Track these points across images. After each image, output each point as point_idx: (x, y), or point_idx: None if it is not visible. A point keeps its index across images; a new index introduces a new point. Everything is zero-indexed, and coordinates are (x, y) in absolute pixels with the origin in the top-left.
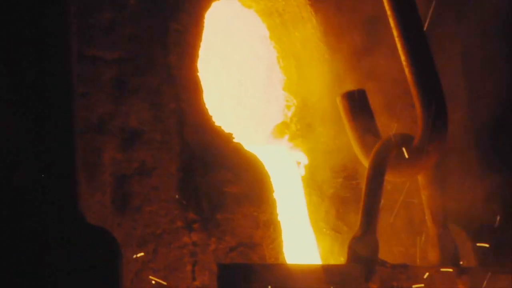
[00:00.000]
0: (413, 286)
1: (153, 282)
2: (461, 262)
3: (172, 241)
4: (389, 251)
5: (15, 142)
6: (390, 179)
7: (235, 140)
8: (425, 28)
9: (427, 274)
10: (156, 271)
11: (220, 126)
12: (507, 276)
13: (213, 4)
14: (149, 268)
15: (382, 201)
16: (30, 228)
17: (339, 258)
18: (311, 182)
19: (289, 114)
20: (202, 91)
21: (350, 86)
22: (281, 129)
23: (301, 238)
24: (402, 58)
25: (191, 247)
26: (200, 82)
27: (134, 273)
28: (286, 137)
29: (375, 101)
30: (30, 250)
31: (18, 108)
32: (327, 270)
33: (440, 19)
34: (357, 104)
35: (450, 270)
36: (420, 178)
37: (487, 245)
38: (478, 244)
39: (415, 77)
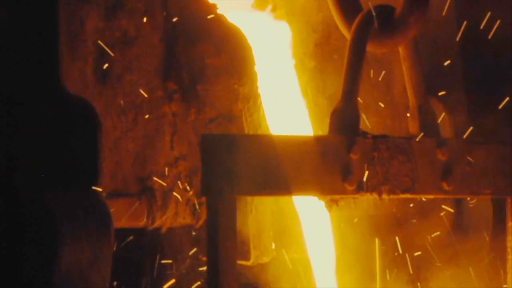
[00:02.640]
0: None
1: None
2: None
3: (152, 111)
4: (366, 123)
5: None
6: (371, 50)
7: (218, 11)
8: None
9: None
10: (135, 139)
11: None
12: (484, 147)
13: None
14: (128, 137)
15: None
16: (7, 94)
17: (317, 131)
18: (293, 54)
19: None
20: None
21: None
22: None
23: (283, 111)
24: None
25: (171, 117)
26: None
27: (113, 142)
28: (269, 7)
29: None
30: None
31: None
32: (309, 141)
33: None
34: None
35: (430, 140)
36: (401, 50)
37: None
38: None
39: None
